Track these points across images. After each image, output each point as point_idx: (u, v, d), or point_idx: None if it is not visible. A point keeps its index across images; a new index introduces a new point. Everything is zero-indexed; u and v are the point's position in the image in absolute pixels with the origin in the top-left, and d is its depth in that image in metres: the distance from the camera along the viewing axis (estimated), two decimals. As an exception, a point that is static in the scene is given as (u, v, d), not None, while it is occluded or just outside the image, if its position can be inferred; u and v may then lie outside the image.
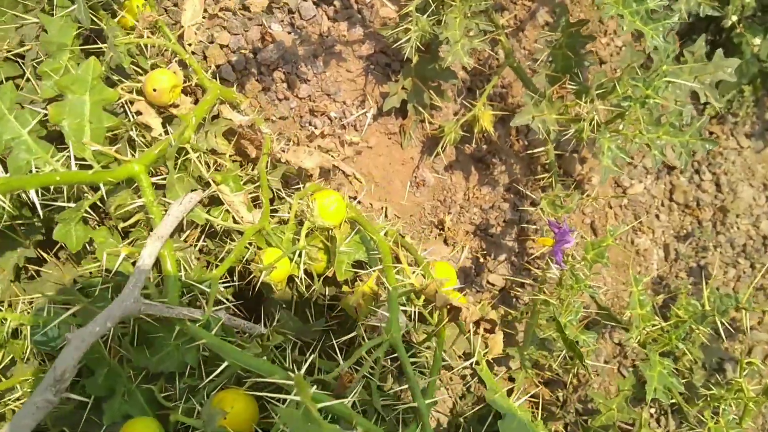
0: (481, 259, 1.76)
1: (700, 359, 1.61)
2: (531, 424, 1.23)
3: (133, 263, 1.19)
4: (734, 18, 1.67)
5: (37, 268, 1.32)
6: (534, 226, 1.78)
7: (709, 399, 1.45)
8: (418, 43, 1.46)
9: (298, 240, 1.29)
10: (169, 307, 1.10)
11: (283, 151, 1.36)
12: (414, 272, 1.25)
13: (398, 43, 1.46)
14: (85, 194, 1.23)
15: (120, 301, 1.04)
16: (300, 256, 1.27)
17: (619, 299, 1.81)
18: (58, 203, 1.17)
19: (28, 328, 1.15)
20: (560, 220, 1.41)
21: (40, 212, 1.12)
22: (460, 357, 1.46)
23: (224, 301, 1.22)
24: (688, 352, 1.47)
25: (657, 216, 1.93)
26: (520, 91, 1.79)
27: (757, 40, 1.73)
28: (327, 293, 1.38)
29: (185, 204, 1.21)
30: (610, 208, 1.88)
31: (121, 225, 1.25)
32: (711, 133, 2.03)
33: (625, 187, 1.90)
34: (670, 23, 1.30)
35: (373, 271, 1.25)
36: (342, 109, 1.63)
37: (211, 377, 1.12)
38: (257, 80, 1.58)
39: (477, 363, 1.34)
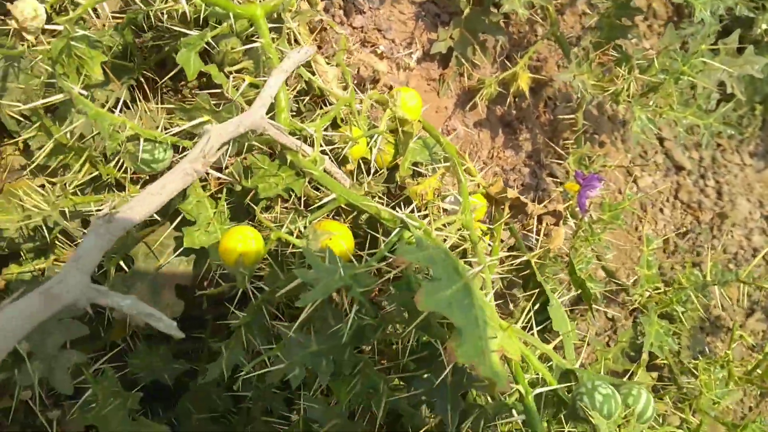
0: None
1: (688, 338, 1.69)
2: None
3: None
4: (764, 26, 1.79)
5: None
6: (549, 197, 1.85)
7: (701, 365, 1.52)
8: (474, -8, 1.54)
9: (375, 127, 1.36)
10: (287, 134, 1.19)
11: (358, 51, 1.43)
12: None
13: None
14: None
15: (249, 114, 1.12)
16: (376, 141, 1.32)
17: (618, 278, 1.89)
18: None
19: (141, 143, 1.18)
20: (586, 173, 1.49)
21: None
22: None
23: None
24: (683, 320, 1.55)
25: (661, 210, 2.02)
26: (553, 68, 1.89)
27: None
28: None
29: (303, 53, 1.28)
30: (619, 194, 1.97)
31: (228, 69, 1.31)
32: (719, 144, 2.15)
33: (637, 176, 1.99)
34: (719, 2, 1.40)
35: (439, 167, 1.32)
36: (390, 47, 1.70)
37: (317, 205, 1.19)
38: (321, -1, 1.64)
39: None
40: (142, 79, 1.47)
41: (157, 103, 1.43)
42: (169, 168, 1.16)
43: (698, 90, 1.58)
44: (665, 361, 1.51)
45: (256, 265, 1.18)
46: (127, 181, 1.37)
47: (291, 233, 1.19)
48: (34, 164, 1.30)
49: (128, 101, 1.33)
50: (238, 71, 1.32)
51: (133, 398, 1.14)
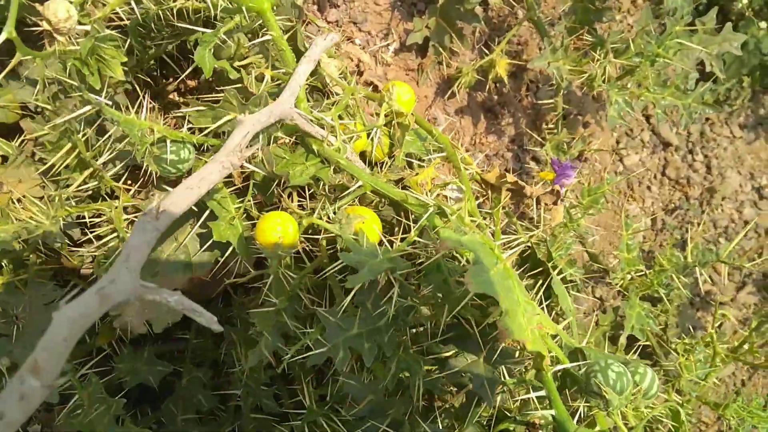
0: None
1: (675, 315, 1.71)
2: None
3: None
4: (743, 2, 1.76)
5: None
6: (534, 181, 1.86)
7: (680, 347, 1.54)
8: (448, -19, 1.54)
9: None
10: (314, 124, 1.22)
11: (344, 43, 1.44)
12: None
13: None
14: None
15: (279, 103, 1.15)
16: (375, 134, 1.35)
17: (605, 257, 1.90)
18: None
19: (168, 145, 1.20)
20: (563, 160, 1.50)
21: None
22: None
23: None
24: (666, 301, 1.56)
25: (648, 187, 2.02)
26: (535, 51, 1.88)
27: (764, 24, 1.82)
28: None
29: (329, 39, 1.31)
30: (606, 171, 1.97)
31: (237, 64, 1.32)
32: (707, 119, 2.13)
33: (623, 155, 1.99)
34: (689, -17, 1.38)
35: (435, 158, 1.34)
36: (366, 39, 1.70)
37: (346, 192, 1.23)
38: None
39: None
40: (147, 80, 1.49)
41: (161, 104, 1.45)
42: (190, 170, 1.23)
43: (677, 70, 1.57)
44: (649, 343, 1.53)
45: (293, 249, 1.21)
46: (121, 190, 1.38)
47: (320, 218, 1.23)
48: (49, 176, 1.31)
49: (129, 104, 1.33)
50: (244, 66, 1.34)
51: (117, 404, 1.18)
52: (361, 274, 1.02)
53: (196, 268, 1.35)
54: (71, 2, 1.09)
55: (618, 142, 2.01)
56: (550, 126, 1.80)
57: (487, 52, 1.77)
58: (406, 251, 1.13)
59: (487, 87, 1.79)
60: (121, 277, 0.82)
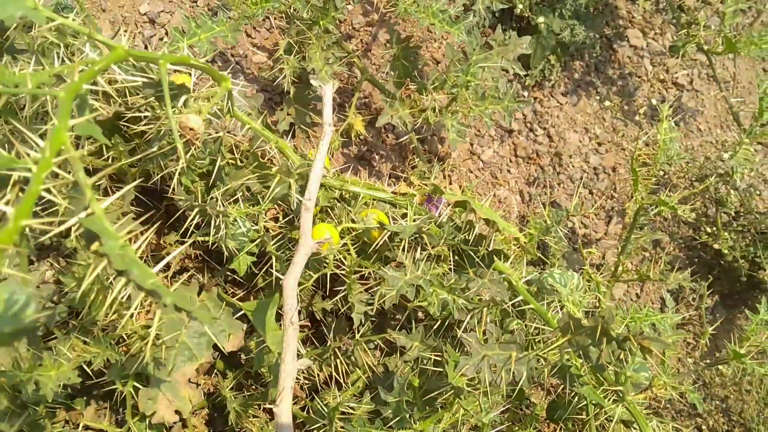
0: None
1: (562, 264, 2.11)
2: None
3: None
4: (521, 6, 2.20)
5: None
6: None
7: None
8: (292, 78, 1.89)
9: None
10: None
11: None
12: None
13: (276, 81, 1.88)
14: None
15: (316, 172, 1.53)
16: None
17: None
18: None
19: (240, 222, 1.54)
20: (433, 195, 1.87)
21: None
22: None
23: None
24: (553, 255, 1.95)
25: (508, 170, 2.43)
26: (379, 98, 2.25)
27: (541, 18, 2.26)
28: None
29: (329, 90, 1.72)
30: (471, 172, 2.36)
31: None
32: (535, 98, 2.57)
33: (479, 153, 2.39)
34: (469, 22, 1.78)
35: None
36: (244, 142, 2.04)
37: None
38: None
39: None
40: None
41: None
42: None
43: (489, 84, 1.97)
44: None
45: (337, 249, 1.57)
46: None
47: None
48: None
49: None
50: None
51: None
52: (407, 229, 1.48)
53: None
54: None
55: (472, 144, 2.41)
56: (414, 154, 2.18)
57: (343, 115, 2.13)
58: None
59: (353, 142, 2.15)
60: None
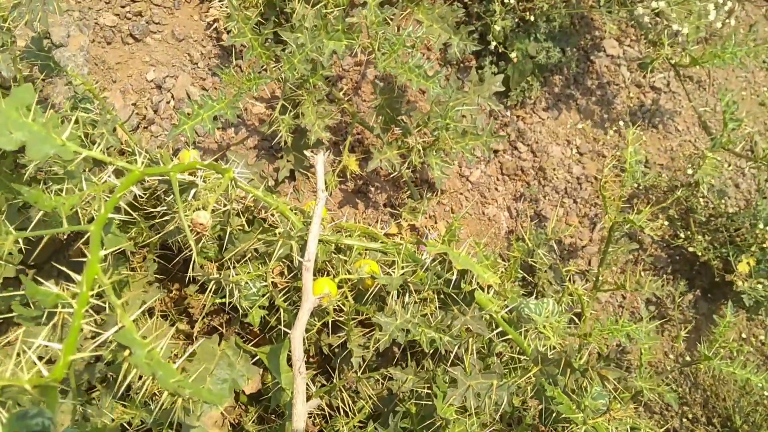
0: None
1: (548, 277, 2.31)
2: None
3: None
4: (494, 44, 2.37)
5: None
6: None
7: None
8: (287, 132, 2.09)
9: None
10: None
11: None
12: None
13: (276, 138, 2.08)
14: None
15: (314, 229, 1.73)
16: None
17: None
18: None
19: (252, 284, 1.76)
20: (422, 233, 2.08)
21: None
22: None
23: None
24: (538, 269, 2.15)
25: (496, 188, 2.62)
26: (371, 136, 2.45)
27: (514, 54, 2.44)
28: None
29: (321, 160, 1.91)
30: (461, 194, 2.56)
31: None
32: (518, 116, 2.74)
33: (467, 175, 2.58)
34: (442, 77, 1.97)
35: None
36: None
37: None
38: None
39: None
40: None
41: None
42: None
43: (468, 120, 2.16)
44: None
45: (336, 300, 1.77)
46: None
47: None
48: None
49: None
50: None
51: None
52: (394, 282, 1.69)
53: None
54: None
55: (460, 166, 2.60)
56: (408, 185, 2.37)
57: (338, 155, 2.33)
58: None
59: (349, 179, 2.35)
60: None
